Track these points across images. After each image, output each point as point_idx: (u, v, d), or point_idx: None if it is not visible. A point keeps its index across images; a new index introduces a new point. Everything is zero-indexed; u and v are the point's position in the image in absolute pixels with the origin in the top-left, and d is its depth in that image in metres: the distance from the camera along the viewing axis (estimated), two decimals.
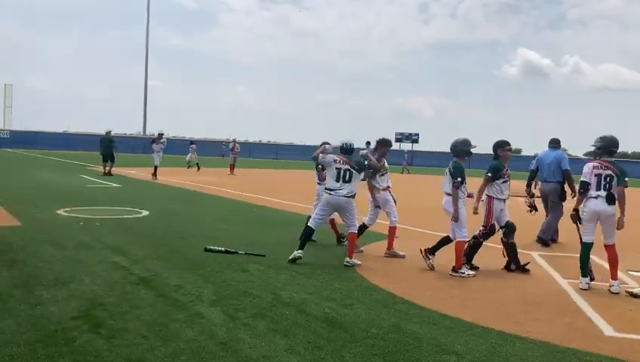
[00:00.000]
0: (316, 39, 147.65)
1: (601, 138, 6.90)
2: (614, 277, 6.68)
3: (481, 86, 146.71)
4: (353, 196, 7.47)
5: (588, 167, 6.80)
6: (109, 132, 23.26)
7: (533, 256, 8.50)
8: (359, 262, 7.44)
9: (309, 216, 8.03)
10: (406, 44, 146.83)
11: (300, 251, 7.32)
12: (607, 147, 6.84)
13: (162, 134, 23.01)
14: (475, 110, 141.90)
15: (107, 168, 22.07)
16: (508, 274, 7.35)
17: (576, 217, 6.87)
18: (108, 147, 22.32)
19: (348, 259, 7.39)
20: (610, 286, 6.64)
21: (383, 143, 8.45)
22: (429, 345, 4.50)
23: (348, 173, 7.41)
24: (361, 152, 8.09)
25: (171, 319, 4.85)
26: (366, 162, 7.81)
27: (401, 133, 57.96)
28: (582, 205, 6.81)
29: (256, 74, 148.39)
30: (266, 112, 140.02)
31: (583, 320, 5.48)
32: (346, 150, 7.58)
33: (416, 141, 55.92)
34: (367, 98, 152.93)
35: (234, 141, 29.22)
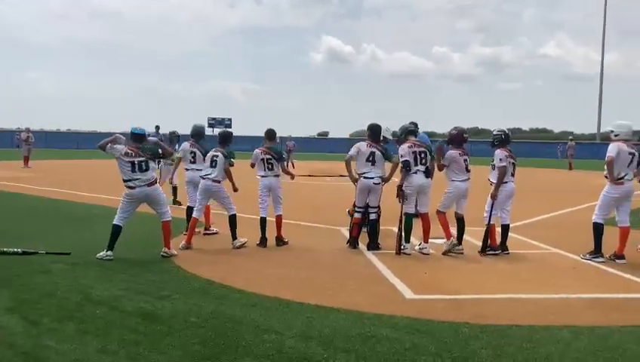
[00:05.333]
0: (118, 20, 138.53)
1: (410, 122, 8.10)
2: (426, 240, 7.64)
3: (289, 72, 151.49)
4: (156, 181, 7.24)
5: (404, 148, 7.65)
6: None
7: (342, 231, 9.05)
8: (176, 253, 7.25)
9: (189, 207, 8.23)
10: (214, 28, 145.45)
11: (109, 252, 6.88)
12: (407, 128, 7.94)
13: None
14: (284, 95, 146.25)
15: None
16: (320, 250, 7.73)
17: (403, 194, 7.55)
18: None
19: (165, 249, 7.15)
20: (422, 248, 7.59)
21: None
22: (249, 326, 4.57)
23: (144, 163, 7.06)
24: (151, 139, 7.76)
25: None
26: (160, 150, 7.37)
27: (213, 118, 57.43)
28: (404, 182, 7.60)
29: (51, 56, 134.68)
30: (64, 99, 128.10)
31: (387, 286, 6.01)
32: (137, 137, 7.23)
33: (229, 126, 55.77)
34: (180, 83, 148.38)
35: (27, 130, 26.23)
